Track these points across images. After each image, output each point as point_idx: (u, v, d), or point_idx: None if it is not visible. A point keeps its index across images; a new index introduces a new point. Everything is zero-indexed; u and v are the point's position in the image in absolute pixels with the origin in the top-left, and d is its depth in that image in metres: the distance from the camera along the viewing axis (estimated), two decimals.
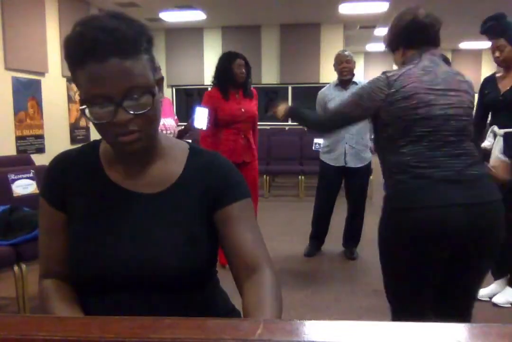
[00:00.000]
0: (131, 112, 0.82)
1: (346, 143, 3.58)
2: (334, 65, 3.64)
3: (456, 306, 1.70)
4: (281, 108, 2.04)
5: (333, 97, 3.58)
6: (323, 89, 3.74)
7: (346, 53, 3.61)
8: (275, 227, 4.76)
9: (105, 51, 0.78)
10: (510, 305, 2.79)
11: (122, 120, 0.82)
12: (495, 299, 2.83)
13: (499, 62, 2.61)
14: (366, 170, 3.70)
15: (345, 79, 3.58)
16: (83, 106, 0.83)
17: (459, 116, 1.59)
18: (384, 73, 1.65)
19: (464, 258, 1.61)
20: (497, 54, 2.57)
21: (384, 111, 1.61)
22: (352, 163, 3.61)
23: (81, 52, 0.79)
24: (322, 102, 3.66)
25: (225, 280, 0.94)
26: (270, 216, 5.02)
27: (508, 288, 2.85)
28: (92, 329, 0.54)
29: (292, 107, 2.04)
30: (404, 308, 1.69)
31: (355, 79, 3.61)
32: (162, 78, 0.90)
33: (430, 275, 1.62)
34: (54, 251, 0.97)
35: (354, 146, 3.59)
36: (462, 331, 0.51)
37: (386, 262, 1.69)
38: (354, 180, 3.71)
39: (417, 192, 1.55)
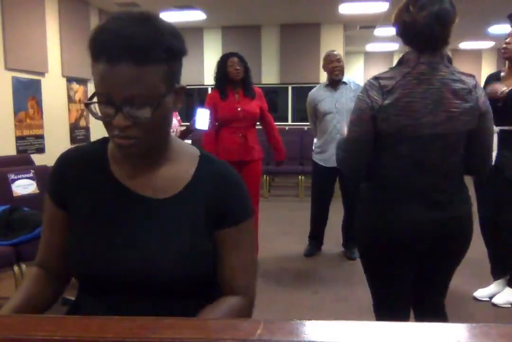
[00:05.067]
0: (130, 119, 0.81)
1: None
2: (324, 66, 3.62)
3: (429, 301, 1.77)
4: None
5: (323, 98, 3.58)
6: (313, 90, 3.71)
7: (336, 52, 3.60)
8: (275, 227, 4.76)
9: (116, 55, 0.78)
10: (510, 305, 2.79)
11: (120, 124, 0.82)
12: (495, 299, 2.83)
13: (507, 52, 2.57)
14: None
15: (336, 79, 3.56)
16: (92, 100, 0.84)
17: (447, 134, 1.53)
18: (376, 79, 1.54)
19: (432, 262, 1.68)
20: (508, 40, 2.55)
21: (375, 124, 1.54)
22: None
23: (96, 48, 0.81)
24: (312, 104, 3.65)
25: None
26: (270, 216, 5.01)
27: (507, 288, 2.85)
28: (91, 329, 0.54)
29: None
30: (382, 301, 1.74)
31: (344, 79, 3.60)
32: (182, 88, 0.89)
33: (401, 274, 1.67)
34: (51, 245, 1.00)
35: None
36: (462, 331, 0.51)
37: (363, 259, 1.74)
38: (347, 181, 3.70)
39: (388, 209, 1.58)
